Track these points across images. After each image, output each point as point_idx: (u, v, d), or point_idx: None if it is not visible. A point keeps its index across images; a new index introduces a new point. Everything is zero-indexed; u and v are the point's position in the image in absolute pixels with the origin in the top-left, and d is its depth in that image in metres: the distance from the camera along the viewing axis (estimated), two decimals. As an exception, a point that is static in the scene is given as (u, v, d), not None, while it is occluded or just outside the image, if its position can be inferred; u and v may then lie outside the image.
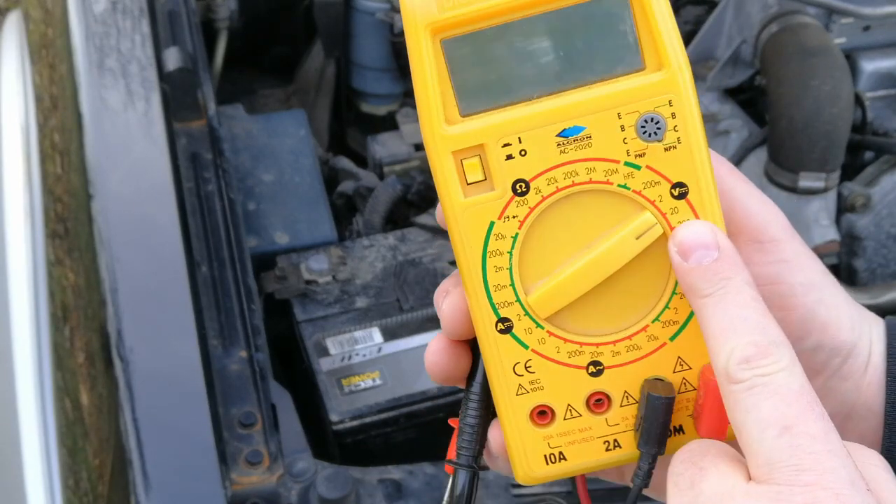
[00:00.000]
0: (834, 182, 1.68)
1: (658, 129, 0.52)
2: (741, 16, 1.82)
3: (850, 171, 1.78)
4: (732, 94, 1.87)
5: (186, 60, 1.48)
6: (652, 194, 0.53)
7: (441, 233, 1.65)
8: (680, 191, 0.53)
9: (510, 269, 0.54)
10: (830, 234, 1.71)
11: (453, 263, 1.66)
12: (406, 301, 1.54)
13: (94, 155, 1.40)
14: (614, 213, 0.53)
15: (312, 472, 1.16)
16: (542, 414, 0.55)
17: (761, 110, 1.86)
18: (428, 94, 0.53)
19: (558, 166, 0.53)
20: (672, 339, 0.54)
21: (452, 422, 0.58)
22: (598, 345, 0.55)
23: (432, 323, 1.51)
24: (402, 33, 1.91)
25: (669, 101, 0.52)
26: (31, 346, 1.48)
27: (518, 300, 0.54)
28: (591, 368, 0.55)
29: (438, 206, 0.56)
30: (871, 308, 1.73)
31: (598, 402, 0.55)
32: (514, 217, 0.53)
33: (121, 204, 1.36)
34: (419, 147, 1.84)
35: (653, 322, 0.54)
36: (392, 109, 2.04)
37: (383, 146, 1.84)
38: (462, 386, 0.58)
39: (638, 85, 0.52)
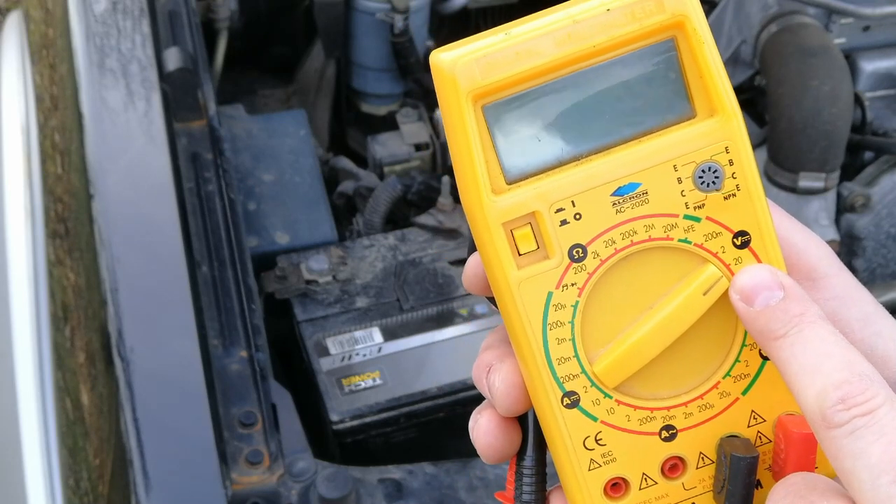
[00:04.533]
0: (833, 182, 1.68)
1: (716, 177, 0.51)
2: (741, 16, 1.82)
3: (850, 171, 1.78)
4: (732, 94, 1.87)
5: (187, 60, 1.48)
6: (714, 246, 0.51)
7: (441, 232, 1.65)
8: (742, 239, 0.51)
9: (573, 340, 0.51)
10: (830, 234, 1.71)
11: (453, 263, 1.67)
12: (406, 301, 1.54)
13: (95, 155, 1.40)
14: (676, 269, 0.51)
15: (312, 472, 1.16)
16: (616, 486, 0.53)
17: (761, 110, 1.86)
18: (474, 165, 0.50)
19: (615, 227, 0.51)
20: (744, 392, 0.52)
21: (500, 496, 0.55)
22: (669, 408, 0.52)
23: (432, 323, 1.51)
24: (402, 33, 1.92)
25: (726, 148, 0.51)
26: (32, 345, 1.48)
27: (584, 372, 0.52)
28: (664, 433, 0.53)
29: (468, 269, 0.54)
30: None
31: (673, 466, 0.53)
32: (572, 285, 0.51)
33: (121, 204, 1.37)
34: (419, 147, 1.84)
35: (724, 377, 0.52)
36: (392, 109, 2.04)
37: (383, 146, 1.85)
38: (510, 461, 0.55)
39: (692, 134, 0.51)
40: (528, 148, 0.51)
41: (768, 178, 1.70)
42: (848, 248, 1.77)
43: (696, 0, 0.50)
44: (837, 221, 1.74)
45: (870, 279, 1.79)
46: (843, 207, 1.74)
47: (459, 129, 0.50)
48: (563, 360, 0.51)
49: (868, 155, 1.80)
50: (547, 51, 0.49)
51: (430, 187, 1.78)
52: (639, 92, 0.51)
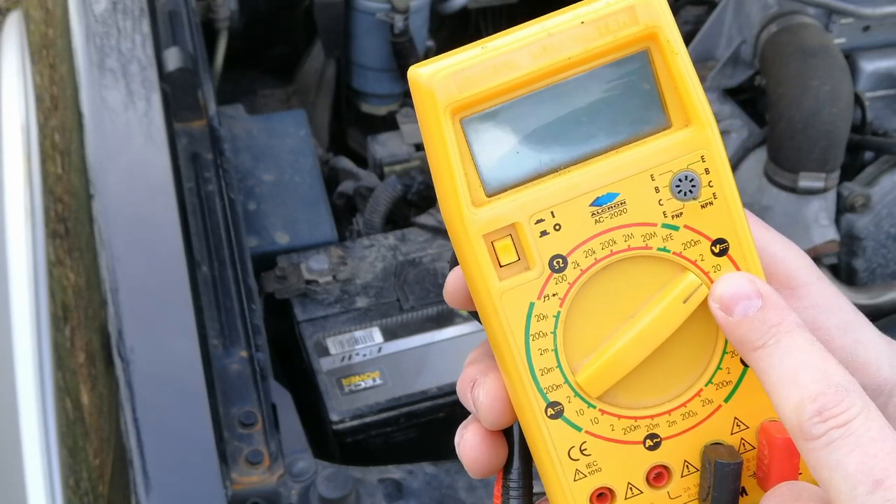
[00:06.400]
0: (833, 182, 1.68)
1: (693, 186, 0.52)
2: (741, 16, 1.82)
3: (850, 171, 1.78)
4: (732, 94, 1.87)
5: (187, 60, 1.48)
6: (693, 254, 0.52)
7: (441, 232, 1.65)
8: (721, 247, 0.52)
9: (555, 350, 0.52)
10: (830, 234, 1.71)
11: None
12: (406, 301, 1.54)
13: (95, 155, 1.40)
14: (656, 278, 0.52)
15: (312, 472, 1.16)
16: (602, 496, 0.53)
17: (761, 110, 1.86)
18: (453, 179, 0.50)
19: (595, 237, 0.51)
20: (727, 400, 0.53)
21: None
22: (653, 416, 0.53)
23: (432, 323, 1.51)
24: (402, 33, 1.92)
25: (702, 157, 0.51)
26: (32, 345, 1.48)
27: (567, 382, 0.52)
28: (649, 442, 0.53)
29: (449, 284, 0.54)
30: (871, 308, 1.74)
31: (658, 475, 0.53)
32: (554, 295, 0.51)
33: (121, 204, 1.37)
34: (419, 147, 1.84)
35: (706, 385, 0.53)
36: (392, 109, 2.04)
37: (383, 146, 1.85)
38: (496, 475, 0.55)
39: (668, 144, 0.51)
40: (506, 160, 0.51)
41: (768, 178, 1.70)
42: (848, 248, 1.77)
43: (669, 12, 0.51)
44: (837, 221, 1.74)
45: (870, 279, 1.79)
46: (843, 207, 1.74)
47: (438, 142, 0.50)
48: (546, 370, 0.52)
49: (868, 155, 1.80)
50: (523, 64, 0.50)
51: (430, 187, 1.78)
52: (614, 103, 0.51)
